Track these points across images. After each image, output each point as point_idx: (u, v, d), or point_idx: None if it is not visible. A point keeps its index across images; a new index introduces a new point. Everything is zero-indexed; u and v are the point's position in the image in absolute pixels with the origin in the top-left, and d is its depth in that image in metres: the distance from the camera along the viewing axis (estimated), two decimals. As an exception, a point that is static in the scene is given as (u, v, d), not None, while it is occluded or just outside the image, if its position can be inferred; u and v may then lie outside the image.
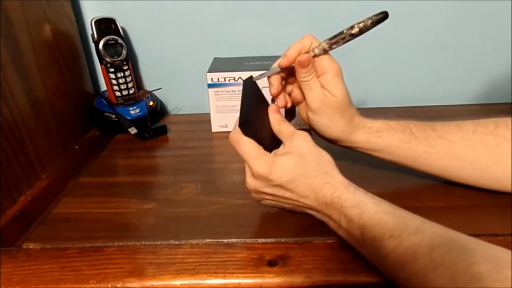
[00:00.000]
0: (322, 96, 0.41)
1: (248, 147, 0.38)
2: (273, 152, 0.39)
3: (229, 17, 0.69)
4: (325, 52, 0.40)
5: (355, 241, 0.35)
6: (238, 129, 0.39)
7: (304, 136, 0.39)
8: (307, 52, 0.40)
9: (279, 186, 0.38)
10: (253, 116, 0.38)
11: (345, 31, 0.39)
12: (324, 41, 0.40)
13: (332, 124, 0.42)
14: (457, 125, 0.42)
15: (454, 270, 0.27)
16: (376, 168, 0.51)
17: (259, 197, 0.41)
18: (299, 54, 0.40)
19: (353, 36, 0.39)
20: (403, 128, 0.43)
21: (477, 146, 0.41)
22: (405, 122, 0.43)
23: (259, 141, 0.38)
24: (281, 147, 0.39)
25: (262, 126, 0.40)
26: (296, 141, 0.38)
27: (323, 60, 0.40)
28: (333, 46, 0.39)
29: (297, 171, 0.37)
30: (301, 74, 0.40)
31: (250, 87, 0.41)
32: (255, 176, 0.39)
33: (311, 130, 0.44)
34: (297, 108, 0.47)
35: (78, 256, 0.38)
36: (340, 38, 0.39)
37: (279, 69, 0.41)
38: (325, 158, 0.38)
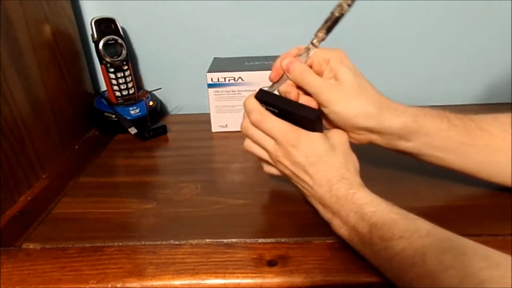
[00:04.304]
0: (325, 87, 0.39)
1: (274, 123, 0.38)
2: (319, 133, 0.38)
3: (229, 17, 0.69)
4: (323, 40, 0.40)
5: (360, 240, 0.34)
6: (257, 108, 0.39)
7: (342, 133, 0.40)
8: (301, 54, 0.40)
9: (301, 166, 0.38)
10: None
11: (336, 14, 0.38)
12: (318, 30, 0.39)
13: (349, 110, 0.38)
14: (492, 117, 0.40)
15: (464, 273, 0.27)
16: (376, 168, 0.51)
17: (277, 165, 0.40)
18: None
19: (343, 15, 0.38)
20: (440, 115, 0.39)
21: None
22: (439, 110, 0.40)
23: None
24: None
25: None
26: (333, 133, 0.40)
27: (321, 53, 0.40)
28: (329, 31, 0.39)
29: (324, 158, 0.37)
30: (293, 75, 0.40)
31: (269, 95, 0.40)
32: (279, 144, 0.38)
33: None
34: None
35: (78, 256, 0.38)
36: (334, 21, 0.38)
37: (285, 78, 0.41)
38: (352, 160, 0.39)
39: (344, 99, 0.38)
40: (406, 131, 0.39)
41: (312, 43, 0.40)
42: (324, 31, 0.39)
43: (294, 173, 0.39)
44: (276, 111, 0.39)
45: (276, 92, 0.42)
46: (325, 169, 0.37)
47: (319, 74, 0.41)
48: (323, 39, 0.39)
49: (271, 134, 0.39)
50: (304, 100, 0.40)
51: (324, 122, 0.42)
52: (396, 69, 0.72)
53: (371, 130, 0.39)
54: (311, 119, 0.37)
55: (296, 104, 0.39)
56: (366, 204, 0.34)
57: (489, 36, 0.68)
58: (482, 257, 0.27)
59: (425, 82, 0.73)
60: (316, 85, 0.39)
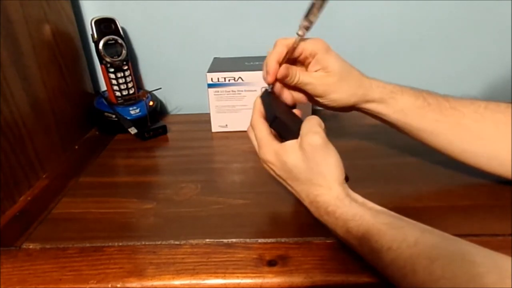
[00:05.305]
0: (319, 80, 0.42)
1: (259, 132, 0.40)
2: (283, 143, 0.38)
3: (229, 17, 0.69)
4: (307, 29, 0.40)
5: (353, 249, 0.35)
6: (256, 116, 0.41)
7: (313, 140, 0.36)
8: (288, 52, 0.42)
9: (282, 178, 0.39)
10: (281, 114, 0.39)
11: (314, 0, 0.39)
12: (302, 20, 0.40)
13: (343, 95, 0.42)
14: (469, 100, 0.42)
15: (455, 282, 0.26)
16: (376, 168, 0.51)
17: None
18: (279, 63, 0.41)
19: (324, 1, 0.38)
20: (416, 93, 0.42)
21: (487, 122, 0.40)
22: (418, 89, 0.43)
23: (293, 136, 0.38)
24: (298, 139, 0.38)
25: (293, 123, 0.40)
26: (304, 142, 0.36)
27: (307, 45, 0.42)
28: (312, 19, 0.40)
29: (295, 174, 0.37)
30: (289, 81, 0.42)
31: (268, 97, 0.42)
32: (261, 159, 0.40)
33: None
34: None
35: (78, 256, 0.38)
36: (315, 8, 0.39)
37: None
38: (327, 168, 0.36)
39: (337, 87, 0.42)
40: (384, 106, 0.43)
41: (297, 33, 0.41)
42: (306, 19, 0.40)
43: (280, 181, 0.40)
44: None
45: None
46: (300, 185, 0.38)
47: (305, 64, 0.43)
48: (306, 27, 0.40)
49: (257, 141, 0.41)
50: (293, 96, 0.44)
51: (314, 101, 0.45)
52: (396, 69, 0.72)
53: (357, 107, 0.44)
54: (269, 120, 0.39)
55: (282, 117, 0.40)
56: (349, 220, 0.34)
57: (489, 36, 0.68)
58: (472, 264, 0.27)
59: (425, 82, 0.73)
60: (311, 82, 0.42)
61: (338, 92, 0.42)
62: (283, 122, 0.39)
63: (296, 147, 0.37)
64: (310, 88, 0.42)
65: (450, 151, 0.43)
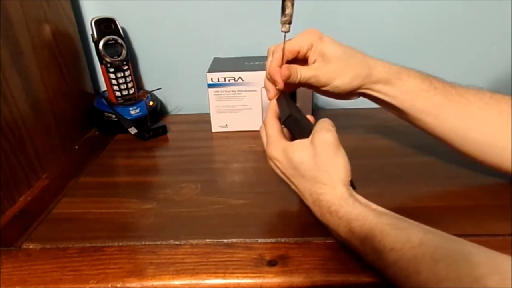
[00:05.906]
0: (319, 70, 0.41)
1: (270, 129, 0.40)
2: (293, 142, 0.38)
3: (229, 17, 0.69)
4: (289, 23, 0.40)
5: (355, 249, 0.35)
6: (269, 115, 0.41)
7: (325, 137, 0.36)
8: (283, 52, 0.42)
9: (286, 176, 0.39)
10: (295, 113, 0.39)
11: None
12: (281, 18, 0.40)
13: (346, 79, 0.41)
14: (475, 89, 0.42)
15: (459, 283, 0.26)
16: (376, 168, 0.51)
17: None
18: (280, 68, 0.41)
19: None
20: (423, 76, 0.42)
21: (492, 111, 0.40)
22: (424, 72, 0.43)
23: (304, 135, 0.38)
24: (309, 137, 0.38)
25: (306, 123, 0.41)
26: (316, 138, 0.37)
27: (302, 41, 0.42)
28: (287, 12, 0.40)
29: (301, 172, 0.37)
30: (293, 80, 0.41)
31: (284, 99, 0.43)
32: (267, 156, 0.40)
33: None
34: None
35: (78, 256, 0.38)
36: (289, 2, 0.39)
37: None
38: (334, 168, 0.36)
39: (339, 72, 0.41)
40: (390, 87, 0.42)
41: (282, 31, 0.41)
42: (283, 14, 0.40)
43: (284, 179, 0.41)
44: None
45: None
46: (304, 182, 0.38)
47: (305, 57, 0.43)
48: (286, 22, 0.40)
49: (267, 138, 0.41)
50: None
51: (321, 92, 0.44)
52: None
53: (363, 89, 0.43)
54: (283, 118, 0.39)
55: (296, 116, 0.39)
56: (352, 220, 0.34)
57: (489, 36, 0.68)
58: (475, 265, 0.27)
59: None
60: (313, 74, 0.41)
61: (340, 77, 0.41)
62: (296, 120, 0.39)
63: (306, 144, 0.37)
64: (314, 81, 0.42)
65: (452, 138, 0.42)
